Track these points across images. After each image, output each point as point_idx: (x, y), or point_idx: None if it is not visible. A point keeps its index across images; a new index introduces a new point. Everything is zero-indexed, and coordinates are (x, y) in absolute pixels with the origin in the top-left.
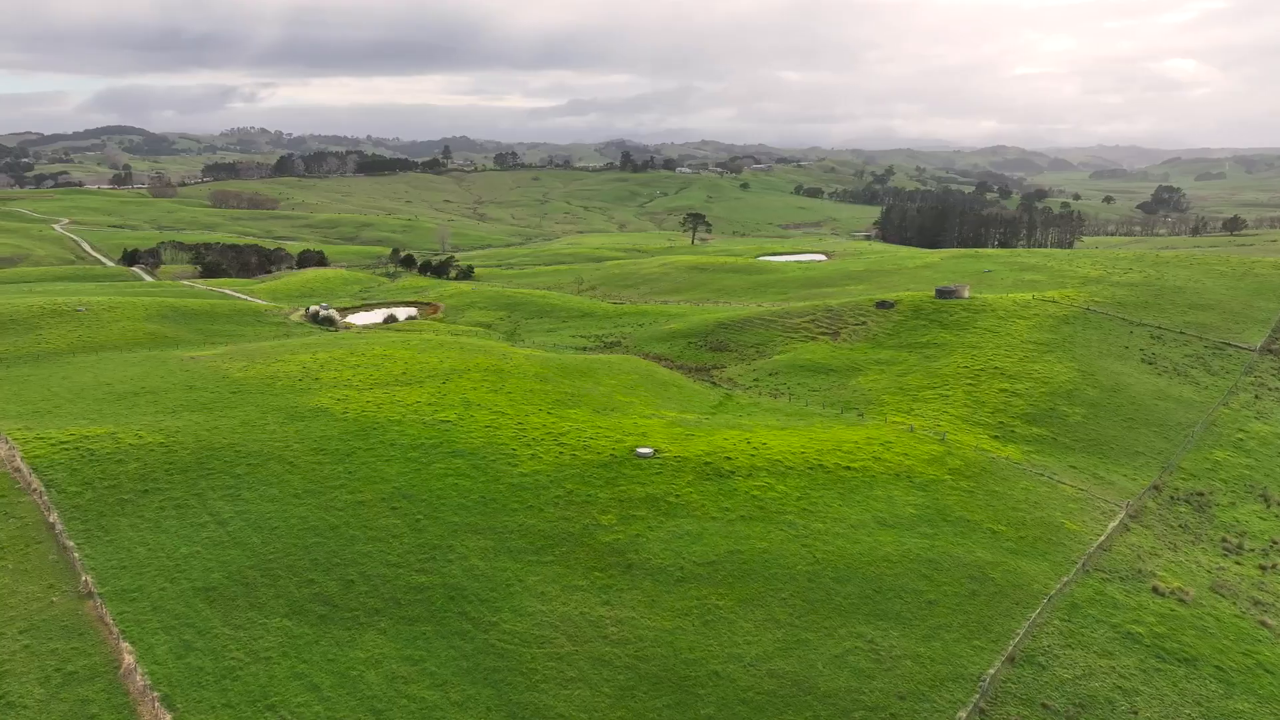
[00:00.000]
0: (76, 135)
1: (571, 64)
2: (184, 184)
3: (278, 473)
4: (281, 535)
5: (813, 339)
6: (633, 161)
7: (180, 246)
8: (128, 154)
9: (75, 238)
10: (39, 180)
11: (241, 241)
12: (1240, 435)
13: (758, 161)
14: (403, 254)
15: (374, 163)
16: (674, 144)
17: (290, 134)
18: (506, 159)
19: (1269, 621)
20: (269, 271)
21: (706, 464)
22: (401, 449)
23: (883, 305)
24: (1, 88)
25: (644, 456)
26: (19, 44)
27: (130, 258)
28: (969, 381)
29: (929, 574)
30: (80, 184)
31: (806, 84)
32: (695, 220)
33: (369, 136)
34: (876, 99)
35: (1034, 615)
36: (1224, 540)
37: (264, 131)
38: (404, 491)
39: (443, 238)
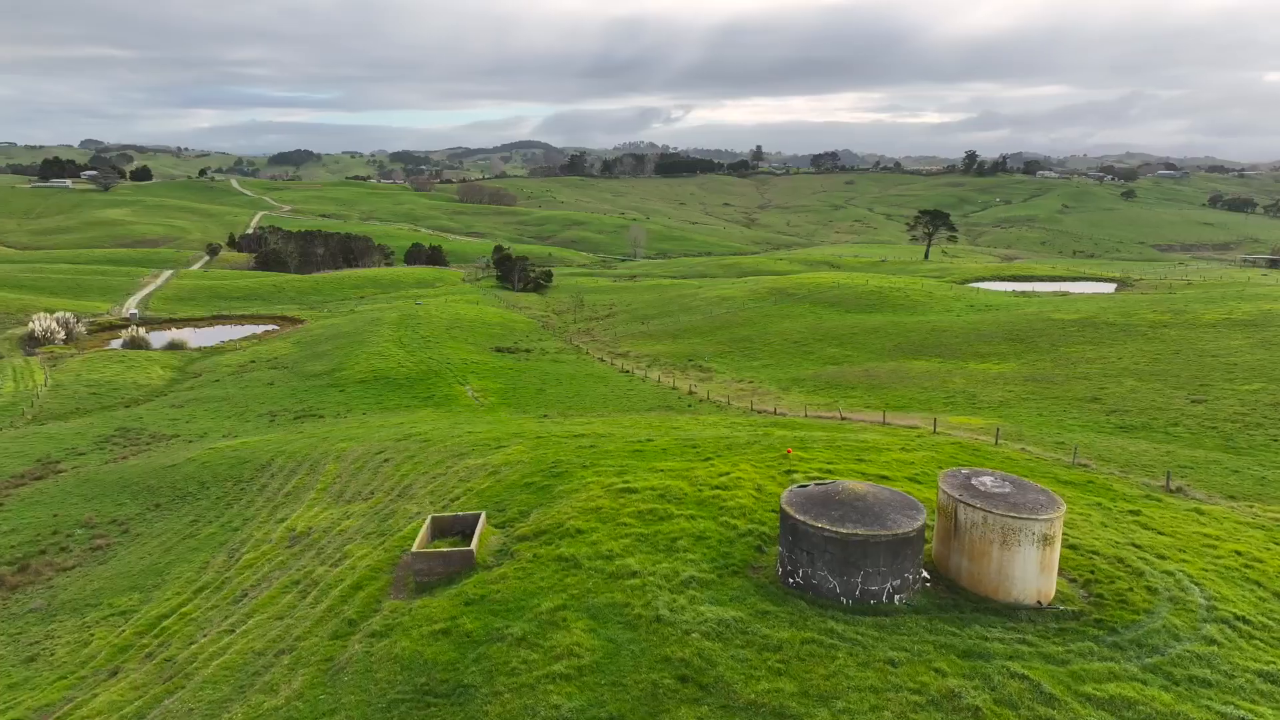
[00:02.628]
0: (490, 150)
1: (997, 75)
2: (446, 181)
3: None
4: None
5: None
6: (980, 164)
7: (281, 233)
8: (510, 164)
9: (256, 223)
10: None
11: (429, 237)
12: None
13: (1174, 168)
14: (507, 253)
15: (674, 164)
16: (1087, 157)
17: (674, 147)
18: (823, 160)
19: None
20: (352, 265)
21: None
22: None
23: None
24: (485, 115)
25: None
26: (500, 79)
27: (231, 242)
28: None
29: None
30: (364, 179)
31: None
32: (934, 222)
33: (756, 149)
34: None
35: None
36: None
37: (651, 146)
38: None
39: (635, 240)
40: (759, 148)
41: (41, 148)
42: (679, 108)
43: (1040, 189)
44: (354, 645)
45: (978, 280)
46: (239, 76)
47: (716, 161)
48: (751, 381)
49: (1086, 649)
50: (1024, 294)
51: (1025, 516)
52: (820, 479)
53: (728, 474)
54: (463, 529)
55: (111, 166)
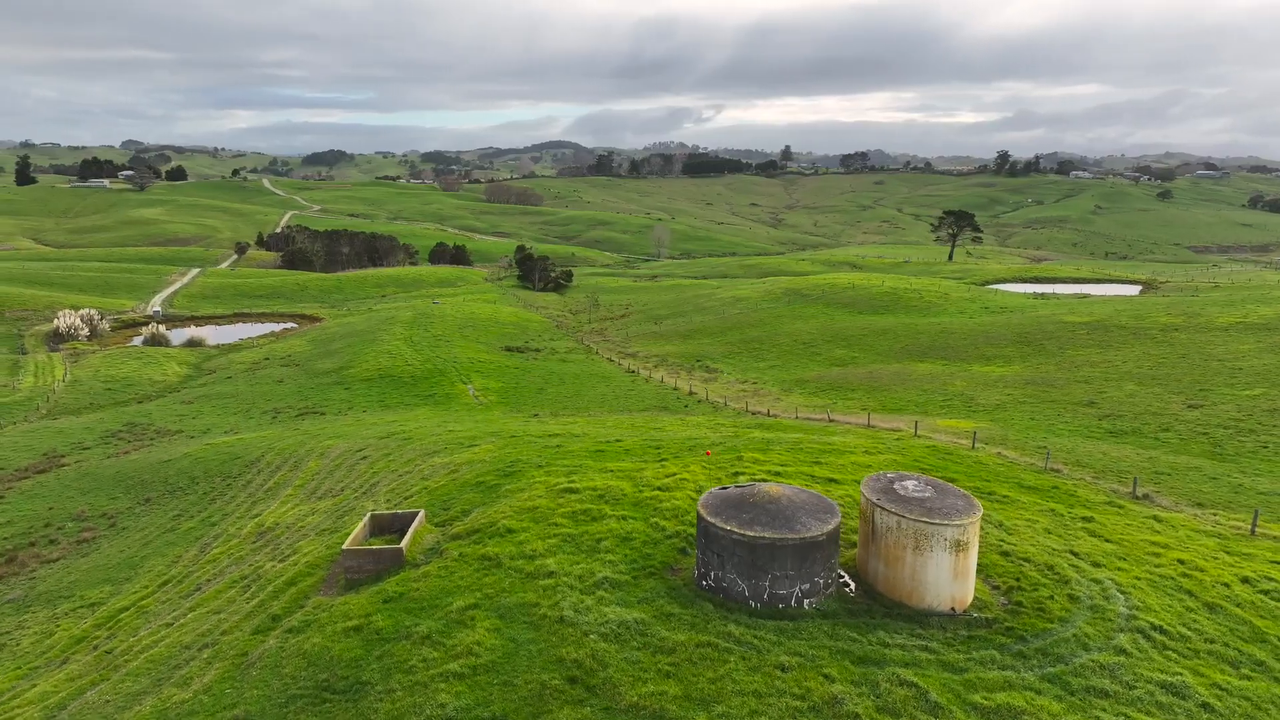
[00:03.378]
0: (521, 150)
1: (1033, 74)
2: (474, 181)
3: None
4: None
5: None
6: (1011, 165)
7: (308, 232)
8: (540, 164)
9: (285, 222)
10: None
11: (454, 237)
12: None
13: (1214, 168)
14: (529, 253)
15: (701, 164)
16: (1124, 157)
17: (704, 147)
18: (852, 160)
19: None
20: (376, 264)
21: None
22: None
23: None
24: (516, 116)
25: None
26: (531, 79)
27: (259, 241)
28: None
29: None
30: (395, 179)
31: None
32: (959, 223)
33: (784, 148)
34: None
35: None
36: None
37: (681, 146)
38: None
39: (659, 240)
40: (788, 148)
41: (83, 148)
42: (710, 108)
43: (1073, 189)
44: (270, 641)
45: (999, 282)
46: (274, 78)
47: (745, 161)
48: (755, 383)
49: (988, 657)
50: (1042, 296)
51: (938, 522)
52: (763, 480)
53: (674, 475)
54: (401, 527)
55: (148, 166)
